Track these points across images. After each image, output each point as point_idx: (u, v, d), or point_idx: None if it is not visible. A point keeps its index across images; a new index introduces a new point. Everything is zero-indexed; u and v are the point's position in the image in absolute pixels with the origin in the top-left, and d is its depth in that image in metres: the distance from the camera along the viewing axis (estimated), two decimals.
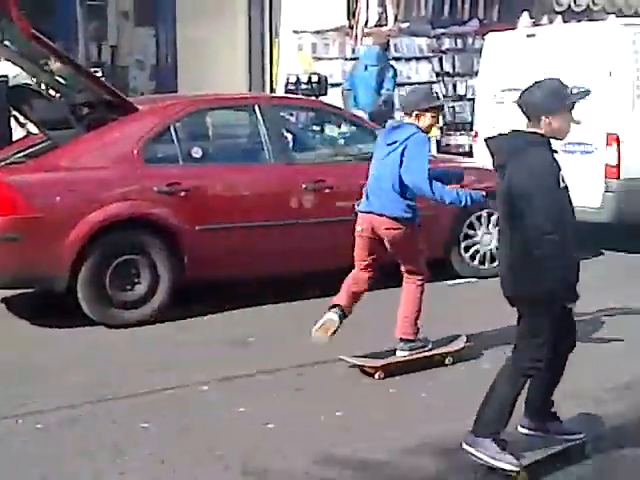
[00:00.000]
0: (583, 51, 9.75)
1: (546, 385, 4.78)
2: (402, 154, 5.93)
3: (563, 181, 4.42)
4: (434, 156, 10.82)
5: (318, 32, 12.89)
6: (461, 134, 13.75)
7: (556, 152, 4.54)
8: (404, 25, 13.38)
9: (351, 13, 13.17)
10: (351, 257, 6.15)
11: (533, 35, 10.58)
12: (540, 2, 14.67)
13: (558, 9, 14.62)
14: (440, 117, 6.29)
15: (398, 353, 6.24)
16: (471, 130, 11.72)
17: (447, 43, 14.04)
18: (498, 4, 14.34)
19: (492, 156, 4.63)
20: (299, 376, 6.19)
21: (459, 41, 14.11)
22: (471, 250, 8.85)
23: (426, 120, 6.08)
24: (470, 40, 14.02)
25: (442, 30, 13.96)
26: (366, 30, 12.97)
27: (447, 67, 14.05)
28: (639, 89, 9.50)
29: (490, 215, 8.83)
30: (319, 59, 12.92)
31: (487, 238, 8.87)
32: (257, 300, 7.94)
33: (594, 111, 9.51)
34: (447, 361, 6.31)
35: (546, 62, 10.08)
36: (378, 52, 11.92)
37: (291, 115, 10.04)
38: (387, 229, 6.07)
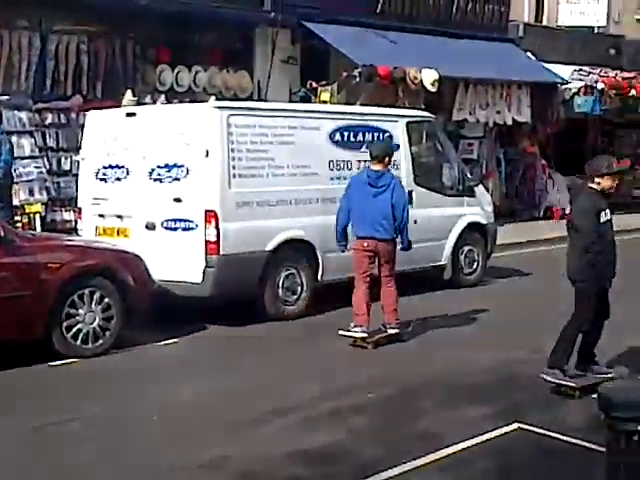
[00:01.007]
0: (181, 131, 10.07)
1: (589, 344, 7.83)
2: (393, 193, 9.12)
3: (605, 216, 7.58)
4: (32, 234, 10.58)
5: None
6: (67, 210, 13.52)
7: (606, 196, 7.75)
8: (3, 98, 12.97)
9: None
10: None
11: (133, 114, 10.73)
12: (144, 80, 14.96)
13: (161, 88, 14.98)
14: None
15: (390, 331, 9.38)
16: (76, 206, 11.55)
17: (50, 118, 13.80)
18: (102, 81, 14.41)
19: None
20: None
21: (62, 116, 13.93)
22: (74, 329, 8.64)
23: (389, 162, 9.51)
24: (74, 115, 13.90)
25: (44, 104, 13.72)
26: None
27: (50, 142, 13.80)
28: (235, 168, 9.97)
29: (93, 293, 8.73)
30: None
31: (90, 316, 8.72)
32: None
33: (194, 189, 9.89)
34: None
35: (146, 141, 10.33)
36: None
37: None
38: (385, 247, 9.21)
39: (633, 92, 20.90)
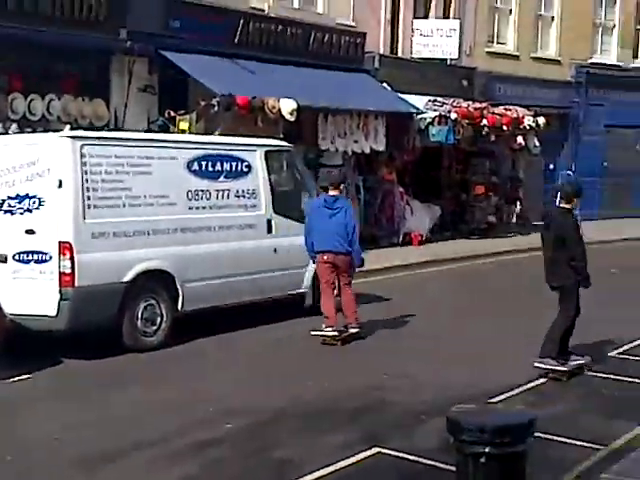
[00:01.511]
0: (33, 161, 9.81)
1: (566, 336, 9.29)
2: (345, 214, 10.67)
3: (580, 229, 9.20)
4: None
5: None
6: None
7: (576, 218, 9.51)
8: None
9: None
10: None
11: None
12: None
13: (13, 117, 14.56)
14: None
15: (352, 330, 10.87)
16: None
17: None
18: None
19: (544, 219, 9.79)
20: None
21: None
22: None
23: (341, 188, 11.10)
24: None
25: None
26: None
27: None
28: (90, 199, 9.78)
29: None
30: None
31: None
32: None
33: (47, 220, 9.65)
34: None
35: None
36: None
37: None
38: (342, 259, 10.74)
39: (485, 122, 21.64)
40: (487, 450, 3.51)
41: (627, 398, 8.52)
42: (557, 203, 9.68)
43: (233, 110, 16.15)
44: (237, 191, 11.58)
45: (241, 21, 17.91)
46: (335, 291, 10.96)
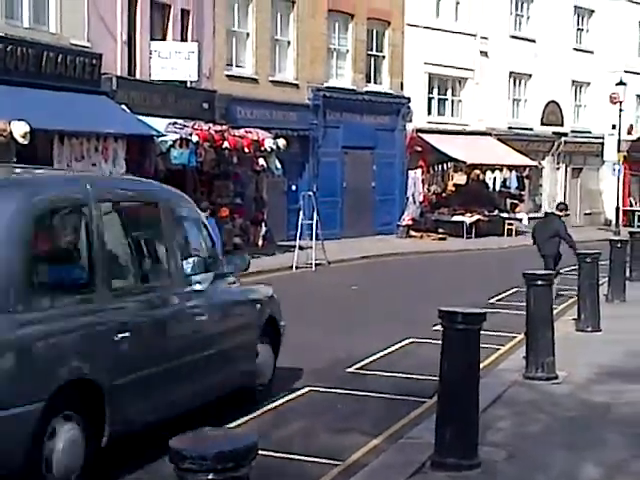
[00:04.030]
0: None
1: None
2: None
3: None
4: None
5: None
6: None
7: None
8: None
9: None
10: None
11: None
12: None
13: None
14: None
15: None
16: None
17: None
18: None
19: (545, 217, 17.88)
20: None
21: None
22: None
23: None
24: None
25: None
26: None
27: None
28: None
29: None
30: None
31: None
32: None
33: None
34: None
35: None
36: None
37: None
38: None
39: (226, 144, 21.78)
40: (210, 477, 3.44)
41: (362, 412, 8.73)
42: (554, 211, 17.70)
43: None
44: None
45: None
46: None
